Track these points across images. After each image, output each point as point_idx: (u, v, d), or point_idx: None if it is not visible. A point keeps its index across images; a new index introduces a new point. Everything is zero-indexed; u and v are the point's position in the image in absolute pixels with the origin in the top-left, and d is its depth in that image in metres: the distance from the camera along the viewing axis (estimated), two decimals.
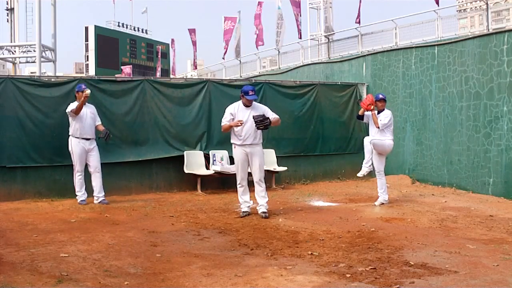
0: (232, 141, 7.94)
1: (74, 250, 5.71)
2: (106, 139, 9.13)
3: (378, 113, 8.85)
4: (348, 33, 15.37)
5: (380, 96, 8.98)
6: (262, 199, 7.86)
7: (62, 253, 5.58)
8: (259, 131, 7.78)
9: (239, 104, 7.89)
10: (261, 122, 7.53)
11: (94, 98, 9.99)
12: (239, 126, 7.65)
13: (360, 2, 14.96)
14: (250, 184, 8.04)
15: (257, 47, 19.72)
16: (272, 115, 7.80)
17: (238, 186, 7.99)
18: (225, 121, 7.84)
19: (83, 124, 8.95)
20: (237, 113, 7.78)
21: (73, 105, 8.92)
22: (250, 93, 7.74)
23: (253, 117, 7.54)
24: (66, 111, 8.99)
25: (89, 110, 9.10)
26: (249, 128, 7.71)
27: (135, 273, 4.97)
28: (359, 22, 14.86)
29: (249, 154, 7.82)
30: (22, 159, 9.60)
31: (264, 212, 7.79)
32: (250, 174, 8.06)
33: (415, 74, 11.93)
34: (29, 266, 5.07)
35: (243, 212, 7.92)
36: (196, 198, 9.90)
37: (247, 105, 7.82)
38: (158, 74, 34.66)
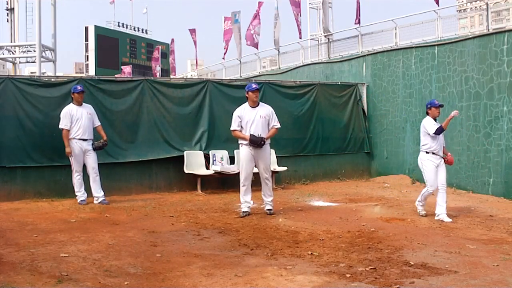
0: (239, 141, 8.01)
1: (74, 250, 5.71)
2: (97, 149, 9.09)
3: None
4: (348, 33, 15.37)
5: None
6: (268, 197, 8.03)
7: (62, 253, 5.58)
8: (266, 131, 7.92)
9: (245, 106, 8.01)
10: (259, 144, 7.76)
11: (94, 98, 10.02)
12: (247, 140, 7.79)
13: (358, 3, 14.96)
14: (252, 185, 8.12)
15: (257, 48, 19.68)
16: (274, 121, 8.00)
17: (241, 185, 8.03)
18: (235, 125, 7.94)
19: (80, 125, 8.92)
20: (244, 115, 7.89)
21: (65, 120, 8.87)
22: (254, 86, 7.96)
23: (251, 140, 7.72)
24: (60, 126, 8.92)
25: (86, 111, 9.05)
26: (256, 128, 7.82)
27: (135, 273, 4.97)
28: (359, 23, 14.85)
29: (256, 154, 7.88)
30: (22, 159, 9.60)
31: (269, 209, 7.98)
32: (253, 174, 8.12)
33: (415, 74, 11.92)
34: (29, 266, 5.07)
35: (243, 212, 7.94)
36: (196, 198, 9.90)
37: (253, 106, 7.94)
38: (158, 74, 34.62)
